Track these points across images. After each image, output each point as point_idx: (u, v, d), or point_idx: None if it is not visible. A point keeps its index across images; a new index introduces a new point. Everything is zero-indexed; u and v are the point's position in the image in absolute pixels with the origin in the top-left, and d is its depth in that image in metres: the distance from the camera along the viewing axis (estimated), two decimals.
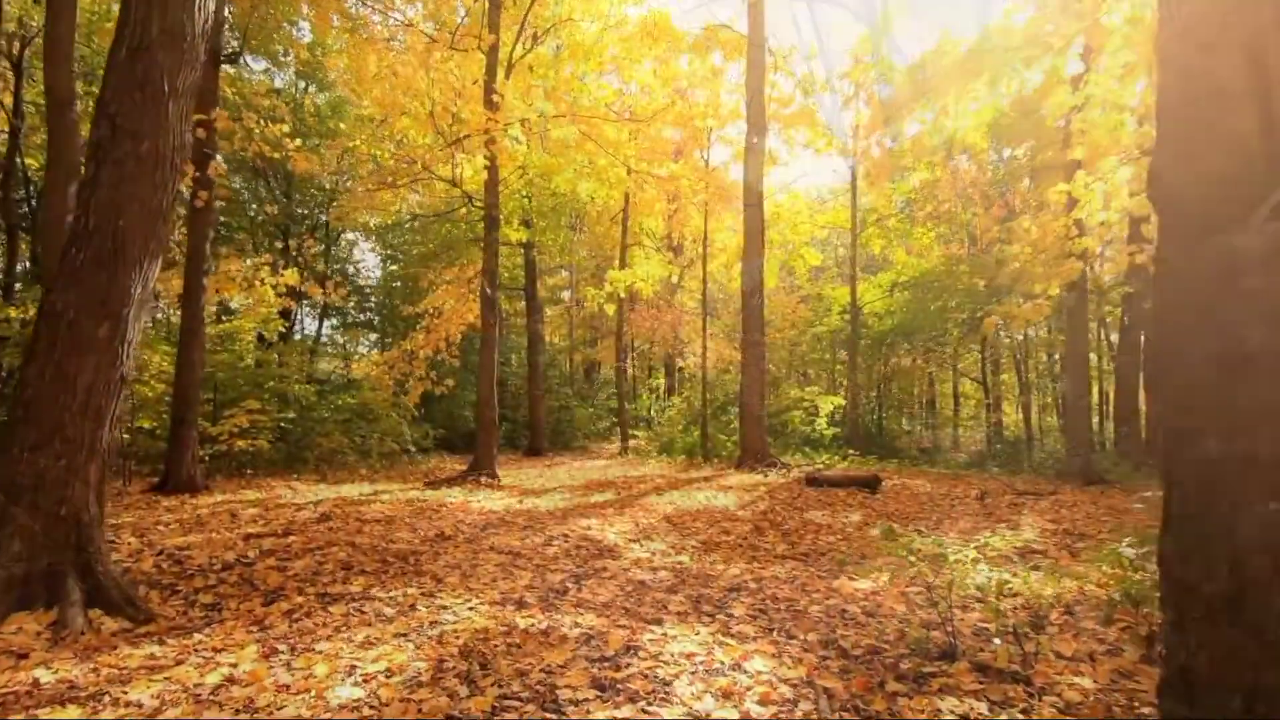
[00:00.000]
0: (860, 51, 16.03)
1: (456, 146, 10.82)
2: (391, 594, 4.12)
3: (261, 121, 8.65)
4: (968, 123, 5.90)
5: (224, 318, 14.02)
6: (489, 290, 10.49)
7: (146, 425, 9.74)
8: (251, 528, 5.98)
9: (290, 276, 9.27)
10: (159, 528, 5.91)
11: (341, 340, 28.48)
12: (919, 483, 10.30)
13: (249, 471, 10.69)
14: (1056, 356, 22.16)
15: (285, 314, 19.95)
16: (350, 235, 22.95)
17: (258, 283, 9.00)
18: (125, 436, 9.49)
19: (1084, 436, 10.29)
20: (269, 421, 11.09)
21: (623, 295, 16.42)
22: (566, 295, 32.07)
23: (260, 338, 14.05)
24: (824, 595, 4.23)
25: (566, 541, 5.73)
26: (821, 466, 12.43)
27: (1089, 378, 10.69)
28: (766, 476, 10.97)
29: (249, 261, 8.81)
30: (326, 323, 25.34)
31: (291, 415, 11.51)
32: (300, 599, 4.00)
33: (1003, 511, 7.49)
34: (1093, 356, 23.35)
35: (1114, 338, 23.32)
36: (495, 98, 8.08)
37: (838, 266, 25.04)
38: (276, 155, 9.20)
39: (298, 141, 9.34)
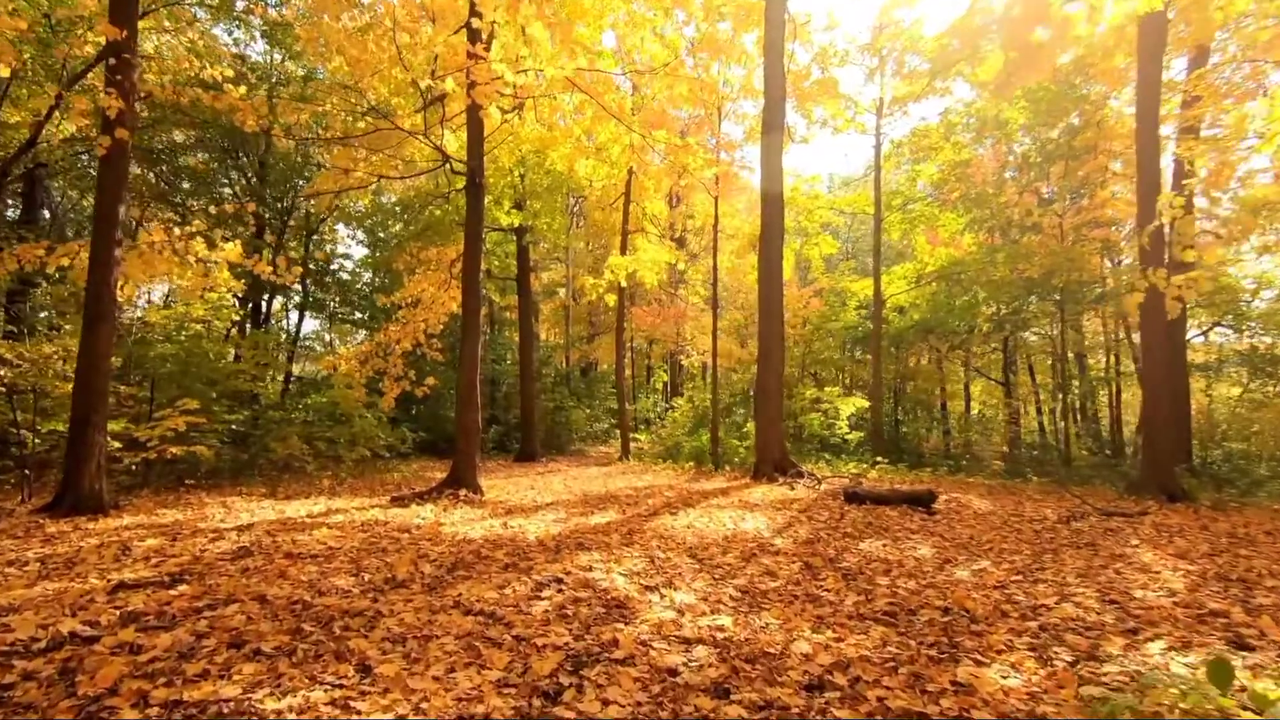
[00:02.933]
0: (885, 18, 14.59)
1: (435, 105, 9.33)
2: (284, 702, 2.61)
3: (195, 60, 7.11)
4: None
5: (172, 303, 12.50)
6: (472, 272, 8.98)
7: (61, 429, 8.19)
8: (135, 570, 4.45)
9: (232, 252, 7.74)
10: (7, 571, 4.38)
11: (329, 338, 26.85)
12: (971, 498, 8.84)
13: (189, 483, 9.16)
14: (1071, 355, 20.79)
15: (255, 304, 18.45)
16: (333, 225, 21.44)
17: (190, 257, 7.48)
18: (33, 439, 7.96)
19: (1167, 447, 8.84)
20: (216, 424, 9.57)
21: (624, 284, 14.93)
22: (562, 293, 30.62)
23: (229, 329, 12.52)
24: (957, 703, 2.74)
25: (561, 592, 4.22)
26: (851, 477, 10.96)
27: (1167, 382, 9.23)
28: (793, 490, 9.50)
29: (176, 230, 7.26)
30: (314, 320, 23.76)
31: (241, 417, 9.97)
32: (131, 716, 2.49)
33: (1106, 541, 6.01)
34: (1103, 356, 22.05)
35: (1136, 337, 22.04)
36: (476, 23, 6.57)
37: (855, 259, 23.61)
38: (216, 105, 7.68)
39: (242, 89, 7.82)
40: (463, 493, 8.42)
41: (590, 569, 4.77)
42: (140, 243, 7.03)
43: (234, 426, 10.05)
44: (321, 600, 3.92)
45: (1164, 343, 9.07)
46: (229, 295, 10.74)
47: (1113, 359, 20.92)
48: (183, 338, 10.53)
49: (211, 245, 7.64)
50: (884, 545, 5.82)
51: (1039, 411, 22.31)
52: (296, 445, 9.92)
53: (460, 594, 4.14)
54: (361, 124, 10.37)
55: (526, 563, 4.96)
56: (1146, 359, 9.22)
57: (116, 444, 8.30)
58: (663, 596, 4.23)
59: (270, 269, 7.96)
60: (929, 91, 14.71)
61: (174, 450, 8.33)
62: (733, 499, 8.75)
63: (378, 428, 12.10)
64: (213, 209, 7.49)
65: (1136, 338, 21.14)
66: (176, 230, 7.25)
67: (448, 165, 8.45)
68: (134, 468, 8.45)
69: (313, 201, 15.39)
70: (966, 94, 15.43)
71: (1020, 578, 4.70)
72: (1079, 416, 20.87)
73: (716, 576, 4.74)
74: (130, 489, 8.25)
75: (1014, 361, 21.50)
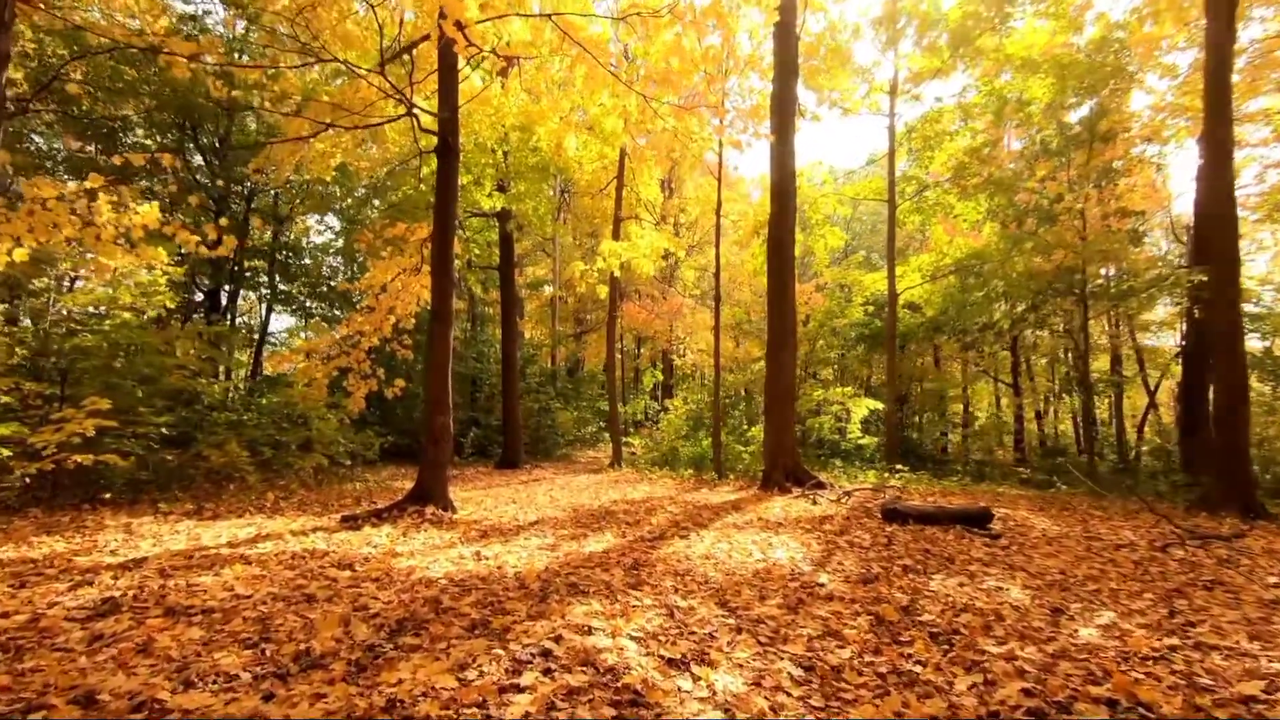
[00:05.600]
0: None
1: (402, 57, 8.01)
2: None
3: None
4: None
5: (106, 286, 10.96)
6: (443, 248, 7.65)
7: None
8: None
9: (148, 214, 6.36)
10: None
11: (305, 335, 25.21)
12: (1025, 514, 7.64)
13: (105, 498, 7.71)
14: (1074, 357, 19.87)
15: (213, 294, 16.91)
16: (303, 212, 19.92)
17: (99, 219, 6.09)
18: None
19: (1243, 458, 7.71)
20: (141, 427, 8.13)
21: (617, 273, 13.64)
22: (548, 288, 29.21)
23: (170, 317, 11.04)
24: None
25: (549, 674, 2.91)
26: (874, 487, 9.74)
27: (1246, 381, 8.13)
28: (816, 504, 8.26)
29: (71, 185, 5.85)
30: (289, 316, 22.18)
31: (174, 419, 8.55)
32: None
33: (1231, 576, 4.83)
34: (1103, 358, 21.18)
35: (1149, 339, 21.20)
36: None
37: (861, 253, 22.48)
38: (135, 41, 6.28)
39: (164, 21, 6.44)
40: (429, 510, 7.07)
41: (589, 630, 3.47)
42: (28, 199, 5.62)
43: (164, 430, 8.61)
44: (182, 700, 2.57)
45: (1237, 340, 7.97)
46: (163, 278, 9.31)
47: (1111, 360, 20.07)
48: (107, 326, 9.07)
49: (121, 207, 6.23)
50: (959, 585, 4.57)
51: (1040, 415, 21.40)
52: (236, 452, 8.50)
53: (401, 681, 2.81)
54: (320, 83, 9.00)
55: (502, 619, 3.64)
56: (1222, 356, 8.10)
57: (5, 451, 6.86)
58: (696, 680, 2.93)
59: (195, 237, 6.56)
60: (949, 69, 13.59)
61: (78, 458, 6.89)
62: (749, 515, 7.49)
63: (338, 431, 10.67)
64: (117, 160, 6.14)
65: (1142, 339, 20.37)
66: (72, 185, 5.83)
67: (413, 118, 7.10)
68: (27, 480, 7.00)
69: (269, 174, 13.92)
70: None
71: (1174, 640, 3.47)
72: (1091, 420, 19.96)
73: (762, 640, 3.46)
74: (18, 508, 6.80)
75: (1020, 362, 20.54)
